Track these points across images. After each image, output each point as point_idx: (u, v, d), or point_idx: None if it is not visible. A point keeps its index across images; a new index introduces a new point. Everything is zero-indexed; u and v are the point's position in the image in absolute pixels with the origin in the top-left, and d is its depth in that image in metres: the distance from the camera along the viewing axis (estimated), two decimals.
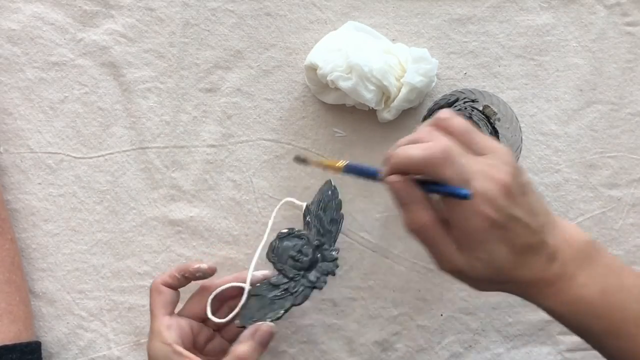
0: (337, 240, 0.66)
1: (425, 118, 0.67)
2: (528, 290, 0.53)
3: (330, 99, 0.69)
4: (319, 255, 0.65)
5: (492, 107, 0.66)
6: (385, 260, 0.71)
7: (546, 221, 0.53)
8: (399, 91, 0.67)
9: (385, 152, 0.51)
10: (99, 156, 0.71)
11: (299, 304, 0.63)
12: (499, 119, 0.66)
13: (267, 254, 0.65)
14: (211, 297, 0.63)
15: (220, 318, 0.63)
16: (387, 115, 0.68)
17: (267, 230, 0.66)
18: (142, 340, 0.71)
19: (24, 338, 0.66)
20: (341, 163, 0.57)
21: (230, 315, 0.62)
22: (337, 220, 0.66)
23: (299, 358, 0.71)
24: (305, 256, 0.64)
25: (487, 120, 0.67)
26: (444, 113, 0.52)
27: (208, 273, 0.64)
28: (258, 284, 0.64)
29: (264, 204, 0.71)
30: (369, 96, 0.66)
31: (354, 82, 0.65)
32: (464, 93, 0.66)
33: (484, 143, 0.52)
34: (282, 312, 0.62)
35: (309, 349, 0.71)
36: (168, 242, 0.71)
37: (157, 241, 0.71)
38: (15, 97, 0.71)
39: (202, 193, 0.71)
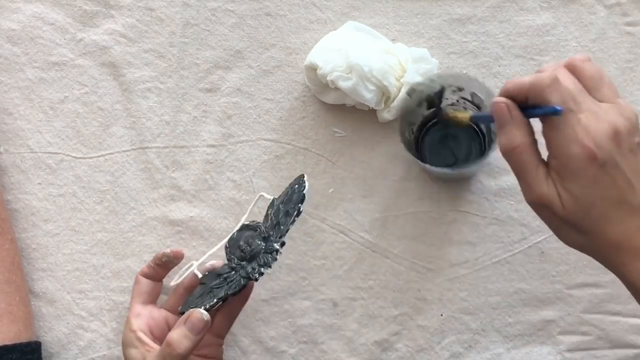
0: (287, 234, 0.61)
1: (405, 115, 0.65)
2: (612, 256, 0.51)
3: (330, 99, 0.69)
4: (263, 246, 0.62)
5: (478, 95, 0.64)
6: (385, 260, 0.71)
7: None
8: (399, 91, 0.67)
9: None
10: (99, 156, 0.71)
11: (233, 294, 0.60)
12: (485, 107, 0.65)
13: (225, 244, 0.65)
14: (172, 284, 0.65)
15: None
16: (387, 115, 0.68)
17: (238, 226, 0.66)
18: None
19: (24, 338, 0.66)
20: (467, 115, 0.60)
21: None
22: (290, 213, 0.62)
23: (299, 358, 0.71)
24: (250, 247, 0.63)
25: (477, 109, 0.66)
26: (581, 56, 0.52)
27: (174, 258, 0.66)
28: (207, 273, 0.65)
29: (264, 204, 0.71)
30: (369, 96, 0.66)
31: (354, 82, 0.65)
32: (447, 79, 0.64)
33: (610, 94, 0.51)
34: (216, 300, 0.60)
35: (309, 349, 0.71)
36: (168, 242, 0.71)
37: (157, 241, 0.71)
38: (15, 97, 0.71)
39: (202, 193, 0.71)
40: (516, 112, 0.52)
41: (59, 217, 0.71)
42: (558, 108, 0.49)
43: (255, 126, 0.71)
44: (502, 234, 0.71)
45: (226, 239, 0.66)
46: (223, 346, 0.67)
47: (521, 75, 0.70)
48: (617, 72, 0.71)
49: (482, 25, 0.71)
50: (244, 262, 0.62)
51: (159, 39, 0.71)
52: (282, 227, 0.61)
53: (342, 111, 0.71)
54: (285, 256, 0.71)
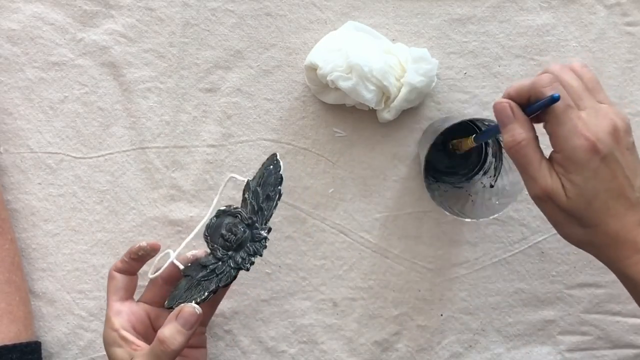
0: (272, 219, 0.60)
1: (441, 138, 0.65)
2: (611, 249, 0.52)
3: (330, 99, 0.69)
4: (248, 234, 0.60)
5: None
6: (385, 260, 0.71)
7: None
8: (399, 91, 0.67)
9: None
10: (99, 156, 0.71)
11: (224, 286, 0.59)
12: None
13: (204, 233, 0.63)
14: (151, 276, 0.63)
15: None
16: (387, 115, 0.68)
17: (210, 210, 0.63)
18: None
19: (24, 338, 0.66)
20: (471, 138, 0.63)
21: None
22: (272, 197, 0.60)
23: (299, 358, 0.71)
24: (235, 235, 0.60)
25: (499, 149, 0.67)
26: (578, 63, 0.55)
27: (150, 250, 0.64)
28: (189, 264, 0.63)
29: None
30: (369, 96, 0.66)
31: (354, 82, 0.65)
32: (482, 122, 0.66)
33: (606, 98, 0.54)
34: (206, 293, 0.58)
35: (309, 349, 0.71)
36: (168, 242, 0.71)
37: (157, 241, 0.71)
38: (15, 97, 0.71)
39: (202, 193, 0.71)
40: (518, 110, 0.54)
41: (59, 217, 0.71)
42: (555, 95, 0.51)
43: (255, 126, 0.71)
44: (502, 234, 0.71)
45: (201, 225, 0.63)
46: (206, 334, 0.66)
47: (521, 75, 0.70)
48: (617, 72, 0.71)
49: (482, 25, 0.71)
50: (230, 252, 0.60)
51: (159, 39, 0.71)
52: (265, 213, 0.60)
53: (342, 111, 0.71)
54: (285, 256, 0.71)
